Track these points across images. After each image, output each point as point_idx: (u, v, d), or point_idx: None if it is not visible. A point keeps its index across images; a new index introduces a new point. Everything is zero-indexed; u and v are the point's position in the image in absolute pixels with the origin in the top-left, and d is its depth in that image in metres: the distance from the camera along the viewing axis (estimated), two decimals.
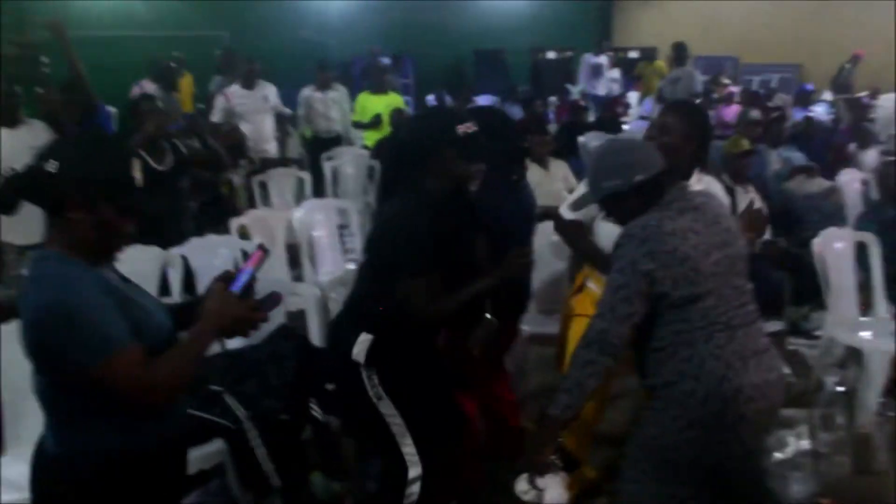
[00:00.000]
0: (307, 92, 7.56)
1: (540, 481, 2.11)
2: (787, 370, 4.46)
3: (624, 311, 2.04)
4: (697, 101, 7.53)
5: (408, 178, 2.36)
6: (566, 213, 2.96)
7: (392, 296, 2.32)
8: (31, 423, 2.74)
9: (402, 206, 2.37)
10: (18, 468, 2.68)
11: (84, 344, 1.58)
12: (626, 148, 2.32)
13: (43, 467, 1.76)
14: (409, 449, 2.44)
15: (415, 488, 2.46)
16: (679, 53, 8.27)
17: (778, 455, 3.59)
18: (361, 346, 2.40)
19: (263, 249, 1.84)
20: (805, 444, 3.72)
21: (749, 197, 4.68)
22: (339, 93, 7.68)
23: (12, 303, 3.50)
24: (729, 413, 2.06)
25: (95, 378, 1.59)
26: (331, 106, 7.54)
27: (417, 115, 2.60)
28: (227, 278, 1.83)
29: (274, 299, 1.83)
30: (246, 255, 4.38)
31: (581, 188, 2.75)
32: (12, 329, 2.72)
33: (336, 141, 7.63)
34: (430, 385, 2.50)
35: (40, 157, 1.67)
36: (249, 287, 1.78)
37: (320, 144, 7.53)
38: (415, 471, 2.45)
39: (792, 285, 4.79)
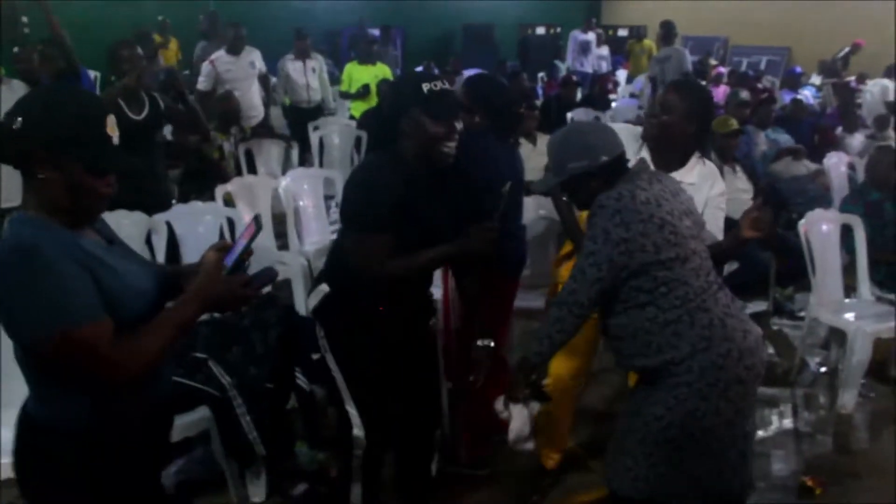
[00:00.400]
0: (285, 62, 7.44)
1: (512, 408, 2.24)
2: (770, 350, 4.53)
3: (592, 275, 2.08)
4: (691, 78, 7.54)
5: (383, 141, 2.32)
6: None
7: (346, 249, 2.30)
8: (17, 388, 2.73)
9: (367, 163, 2.36)
10: (5, 433, 2.65)
11: (38, 316, 1.49)
12: (590, 130, 2.34)
13: (26, 432, 1.70)
14: (350, 408, 2.44)
15: (358, 450, 2.47)
16: (667, 31, 8.22)
17: (761, 433, 3.63)
18: (315, 296, 2.38)
19: (257, 223, 1.75)
20: (788, 423, 3.78)
21: (736, 177, 4.71)
22: (317, 62, 7.56)
23: None
24: (758, 362, 2.16)
25: (51, 352, 1.50)
26: (310, 75, 7.44)
27: (391, 81, 2.52)
28: (223, 248, 1.76)
29: (267, 275, 1.77)
30: (231, 223, 4.36)
31: None
32: None
33: (317, 111, 7.53)
34: (384, 354, 2.40)
35: (8, 113, 1.57)
36: (241, 261, 1.72)
37: (300, 114, 7.43)
38: (357, 431, 2.44)
39: (777, 266, 4.81)
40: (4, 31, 11.77)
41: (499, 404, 2.26)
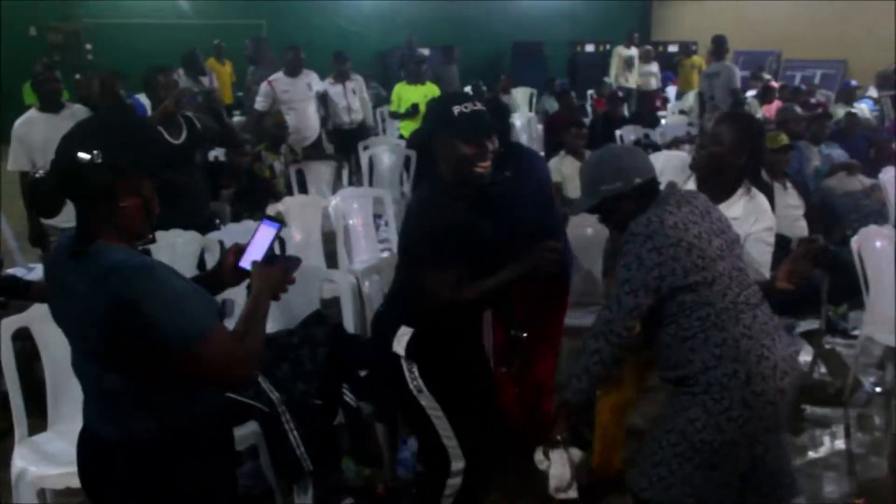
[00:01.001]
0: (325, 86, 7.55)
1: (552, 454, 2.25)
2: (822, 369, 4.44)
3: (629, 304, 2.13)
4: (739, 95, 7.45)
5: (428, 167, 2.37)
6: None
7: (420, 287, 2.31)
8: (71, 401, 2.84)
9: (420, 197, 2.39)
10: (60, 444, 2.77)
11: (182, 331, 1.55)
12: (623, 153, 2.37)
13: (93, 453, 1.76)
14: (451, 442, 2.41)
15: (456, 480, 2.44)
16: (718, 47, 8.13)
17: (812, 454, 3.56)
18: (401, 338, 2.36)
19: (272, 221, 1.89)
20: (840, 444, 3.69)
21: (787, 193, 4.63)
22: (356, 83, 7.70)
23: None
24: (770, 389, 2.13)
25: (193, 362, 1.58)
26: (350, 97, 7.56)
27: (429, 104, 2.55)
28: (237, 251, 1.91)
29: (296, 262, 1.91)
30: (282, 242, 4.44)
31: None
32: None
33: (358, 131, 7.65)
34: (471, 380, 2.45)
35: (71, 148, 1.56)
36: (272, 253, 1.86)
37: (343, 135, 7.57)
38: (457, 464, 2.42)
39: (830, 284, 4.71)
40: (69, 57, 12.30)
41: (538, 454, 2.27)
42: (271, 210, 4.65)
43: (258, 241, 1.88)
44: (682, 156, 5.70)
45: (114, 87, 5.23)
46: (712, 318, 2.13)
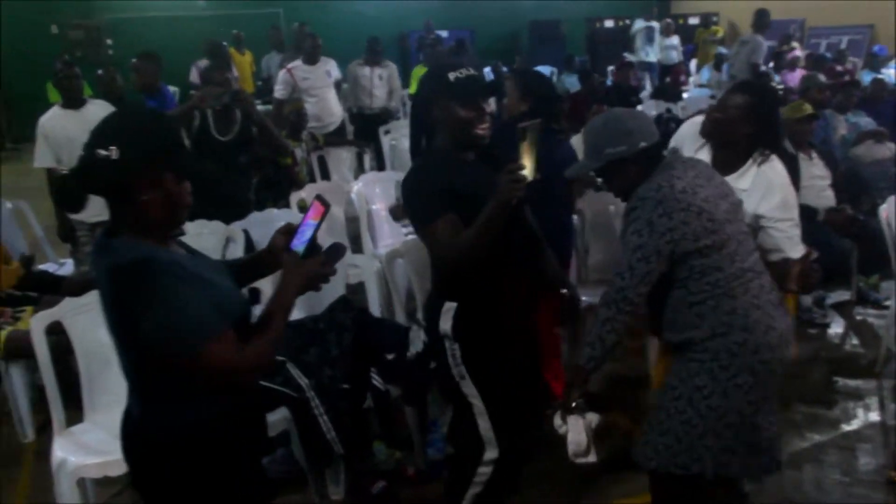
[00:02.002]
0: (354, 66, 7.56)
1: (569, 420, 2.21)
2: (854, 341, 4.40)
3: (642, 271, 2.11)
4: (759, 69, 7.33)
5: (423, 137, 2.35)
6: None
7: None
8: (106, 391, 2.89)
9: (414, 165, 2.40)
10: (96, 434, 2.83)
11: (181, 337, 1.56)
12: (628, 116, 2.32)
13: (132, 434, 1.80)
14: (486, 431, 2.39)
15: (487, 469, 2.43)
16: (757, 19, 8.01)
17: (845, 427, 3.53)
18: (446, 315, 2.32)
19: (323, 202, 1.82)
20: (874, 415, 3.65)
21: (812, 163, 4.56)
22: (388, 69, 7.65)
23: (86, 279, 3.65)
24: (775, 359, 2.19)
25: (192, 367, 1.60)
26: (377, 83, 7.55)
27: (421, 77, 2.51)
28: (288, 231, 1.87)
29: (337, 250, 1.87)
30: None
31: None
32: (85, 302, 2.85)
33: (379, 115, 7.60)
34: (513, 369, 2.38)
35: (94, 144, 1.59)
36: (314, 242, 1.81)
37: (364, 119, 7.55)
38: (491, 453, 2.41)
39: (860, 253, 4.64)
40: (90, 53, 12.42)
41: (557, 419, 2.24)
42: (294, 198, 4.67)
43: (308, 223, 1.83)
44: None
45: (112, 83, 5.26)
46: (722, 283, 2.14)
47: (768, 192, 2.65)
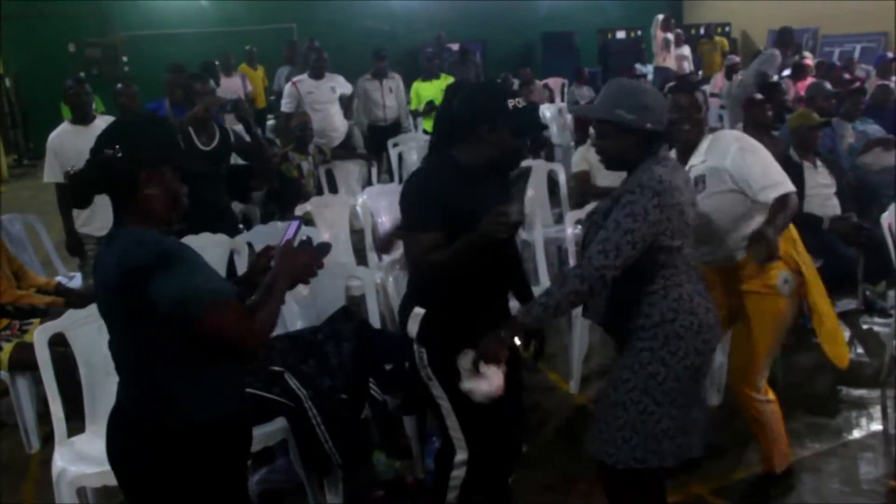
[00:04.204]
0: (363, 81, 7.65)
1: (484, 367, 2.16)
2: (860, 350, 4.36)
3: (626, 254, 2.15)
4: (768, 78, 7.30)
5: (448, 141, 2.38)
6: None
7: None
8: (108, 402, 2.92)
9: (422, 168, 2.44)
10: (98, 444, 2.85)
11: (193, 295, 1.67)
12: (651, 94, 2.36)
13: (122, 426, 1.89)
14: (456, 433, 2.44)
15: (460, 472, 2.46)
16: (780, 37, 8.07)
17: (848, 436, 3.50)
18: (414, 319, 2.39)
19: (298, 218, 2.05)
20: (877, 425, 3.62)
21: (817, 172, 4.54)
22: (394, 81, 7.73)
23: (91, 292, 3.72)
24: (714, 338, 2.36)
25: (201, 329, 1.69)
26: (386, 94, 7.62)
27: (472, 87, 2.55)
28: (267, 252, 2.07)
29: (326, 248, 2.01)
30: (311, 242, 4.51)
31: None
32: (88, 313, 2.90)
33: (393, 128, 7.69)
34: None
35: (99, 147, 1.77)
36: (303, 241, 1.97)
37: (377, 132, 7.64)
38: (460, 455, 2.45)
39: (866, 262, 4.61)
40: (107, 69, 12.60)
41: (465, 360, 2.19)
42: (299, 210, 4.72)
43: (290, 232, 2.00)
44: None
45: (132, 98, 5.36)
46: (674, 277, 2.27)
47: (721, 141, 2.85)
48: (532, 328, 2.31)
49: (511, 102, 2.31)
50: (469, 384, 2.18)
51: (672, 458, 2.30)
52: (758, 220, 2.77)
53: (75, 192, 1.85)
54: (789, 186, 2.78)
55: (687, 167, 2.84)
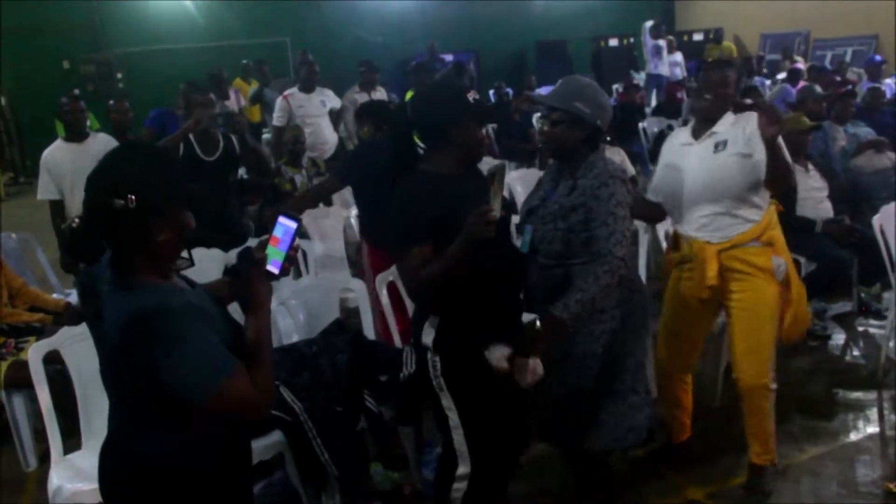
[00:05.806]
0: (352, 94, 7.65)
1: (516, 360, 2.22)
2: (855, 352, 4.37)
3: (629, 238, 2.41)
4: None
5: (415, 159, 2.37)
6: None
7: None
8: (102, 419, 2.92)
9: (402, 184, 2.36)
10: (93, 461, 2.83)
11: (199, 386, 1.59)
12: (606, 97, 2.59)
13: (117, 462, 1.81)
14: (460, 446, 2.42)
15: (461, 485, 2.45)
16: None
17: (844, 439, 3.51)
18: (429, 328, 2.37)
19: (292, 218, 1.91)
20: (873, 427, 3.63)
21: (809, 176, 4.57)
22: (380, 93, 7.76)
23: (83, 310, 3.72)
24: (646, 299, 2.67)
25: (208, 409, 1.62)
26: None
27: (428, 94, 2.53)
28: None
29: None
30: (304, 255, 4.54)
31: None
32: (82, 330, 2.90)
33: None
34: (494, 388, 2.37)
35: (103, 193, 1.60)
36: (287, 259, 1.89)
37: None
38: (463, 468, 2.44)
39: (860, 264, 4.62)
40: (102, 86, 12.62)
41: (498, 353, 2.22)
42: None
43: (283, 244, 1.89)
44: None
45: (125, 114, 5.37)
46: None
47: (747, 116, 2.91)
48: (569, 323, 2.31)
49: (470, 96, 2.36)
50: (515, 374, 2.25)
51: (646, 424, 2.66)
52: (767, 195, 2.94)
53: (80, 247, 1.71)
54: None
55: (708, 133, 2.96)
